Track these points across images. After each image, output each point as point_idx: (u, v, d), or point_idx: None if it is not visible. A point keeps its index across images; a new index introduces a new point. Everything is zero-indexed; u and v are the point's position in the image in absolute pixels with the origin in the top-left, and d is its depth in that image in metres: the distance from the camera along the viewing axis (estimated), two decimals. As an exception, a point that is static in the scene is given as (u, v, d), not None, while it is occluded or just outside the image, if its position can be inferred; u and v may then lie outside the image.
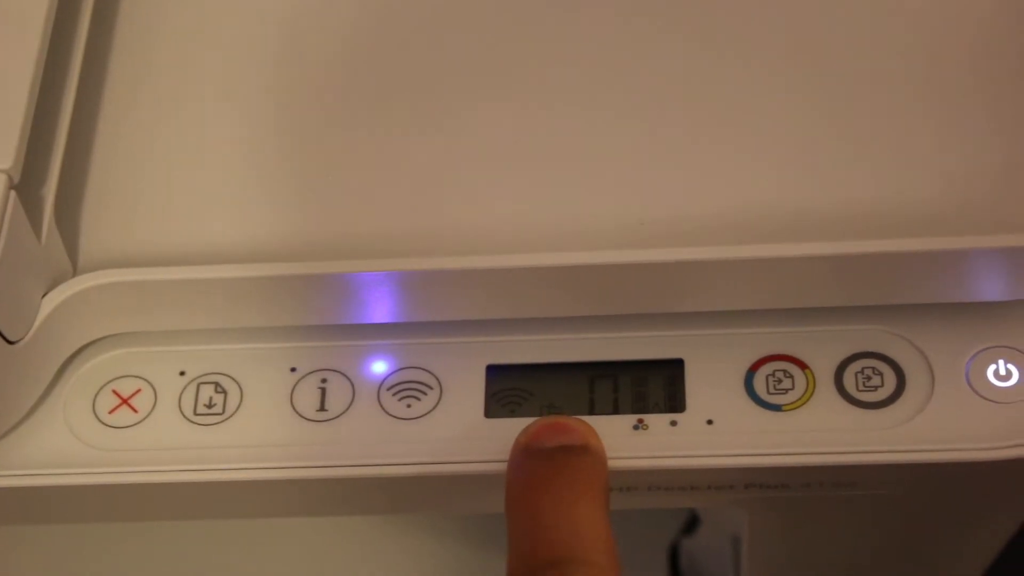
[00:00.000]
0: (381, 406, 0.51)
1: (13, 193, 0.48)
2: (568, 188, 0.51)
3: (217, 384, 0.52)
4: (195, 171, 0.53)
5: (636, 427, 0.50)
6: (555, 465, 0.47)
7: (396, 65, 0.55)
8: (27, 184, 0.49)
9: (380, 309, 0.51)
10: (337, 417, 0.51)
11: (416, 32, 0.55)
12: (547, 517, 0.45)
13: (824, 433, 0.49)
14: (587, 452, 0.48)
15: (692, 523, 0.73)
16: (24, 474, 0.51)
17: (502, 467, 0.49)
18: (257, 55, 0.55)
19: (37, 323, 0.49)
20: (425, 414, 0.51)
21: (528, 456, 0.47)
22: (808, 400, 0.50)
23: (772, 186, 0.51)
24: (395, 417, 0.51)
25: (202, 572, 0.75)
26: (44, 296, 0.50)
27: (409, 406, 0.51)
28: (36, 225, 0.49)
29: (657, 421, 0.50)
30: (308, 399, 0.52)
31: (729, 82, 0.53)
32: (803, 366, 0.51)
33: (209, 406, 0.52)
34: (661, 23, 0.55)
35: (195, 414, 0.52)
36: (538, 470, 0.47)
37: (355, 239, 0.51)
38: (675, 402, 0.51)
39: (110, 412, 0.52)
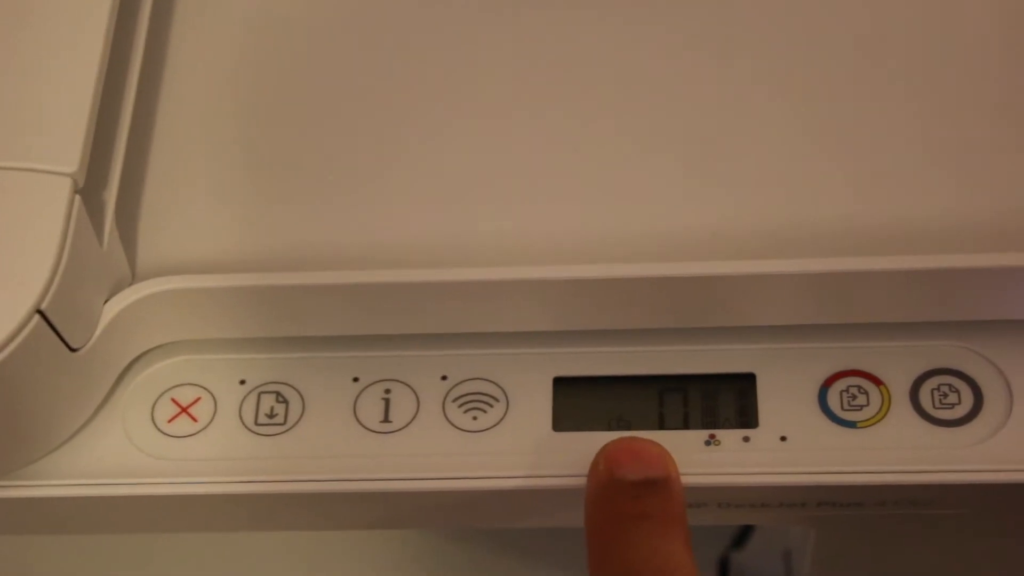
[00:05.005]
0: (446, 418, 0.50)
1: (78, 198, 0.47)
2: (635, 198, 0.51)
3: (278, 393, 0.51)
4: (252, 178, 0.52)
5: (708, 443, 0.49)
6: (640, 503, 0.46)
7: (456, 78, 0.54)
8: (89, 189, 0.48)
9: (446, 318, 0.50)
10: (402, 429, 0.50)
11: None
12: (636, 552, 0.45)
13: (901, 451, 0.49)
14: (668, 484, 0.47)
15: (742, 537, 0.72)
16: (83, 484, 0.50)
17: (572, 482, 0.48)
18: (316, 64, 0.55)
19: (99, 330, 0.49)
20: (491, 427, 0.50)
21: (611, 490, 0.47)
22: (884, 417, 0.49)
23: (845, 199, 0.50)
24: (461, 429, 0.50)
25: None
26: (106, 302, 0.49)
27: (475, 418, 0.50)
28: (98, 230, 0.49)
29: (729, 437, 0.49)
30: (372, 410, 0.51)
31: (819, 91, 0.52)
32: (878, 382, 0.50)
33: (271, 416, 0.51)
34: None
35: (256, 424, 0.51)
36: (624, 507, 0.46)
37: (415, 248, 0.50)
38: (747, 417, 0.50)
39: (169, 421, 0.51)
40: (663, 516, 0.46)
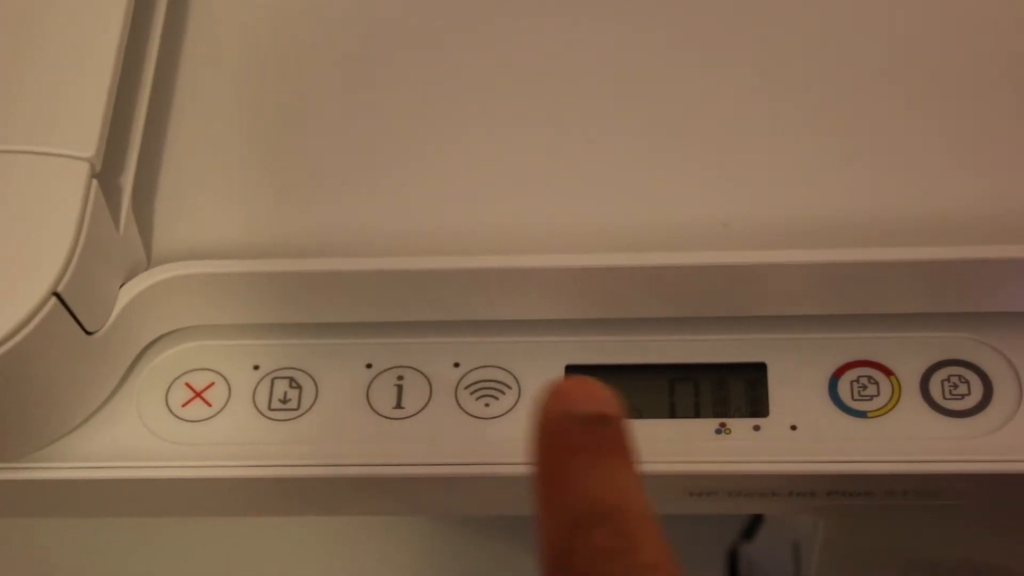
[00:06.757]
0: (459, 405, 0.51)
1: (95, 182, 0.47)
2: (647, 188, 0.51)
3: (292, 379, 0.51)
4: (268, 164, 0.53)
5: (719, 431, 0.50)
6: (594, 433, 0.45)
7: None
8: (106, 173, 0.49)
9: (459, 306, 0.50)
10: (414, 415, 0.51)
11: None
12: (590, 479, 0.43)
13: (911, 441, 0.49)
14: (619, 422, 0.46)
15: (752, 528, 0.72)
16: (96, 467, 0.50)
17: (584, 469, 0.49)
18: (336, 52, 0.55)
19: (115, 314, 0.49)
20: (504, 414, 0.50)
21: (563, 421, 0.45)
22: (894, 407, 0.49)
23: (857, 189, 0.50)
24: (473, 416, 0.50)
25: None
26: (121, 286, 0.49)
27: (487, 405, 0.51)
28: (115, 214, 0.49)
29: (740, 426, 0.50)
30: (384, 396, 0.51)
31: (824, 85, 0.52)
32: (888, 372, 0.50)
33: (284, 401, 0.51)
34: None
35: (269, 409, 0.51)
36: (576, 436, 0.45)
37: (429, 236, 0.50)
38: (758, 406, 0.50)
39: (183, 405, 0.51)
40: (614, 447, 0.45)
